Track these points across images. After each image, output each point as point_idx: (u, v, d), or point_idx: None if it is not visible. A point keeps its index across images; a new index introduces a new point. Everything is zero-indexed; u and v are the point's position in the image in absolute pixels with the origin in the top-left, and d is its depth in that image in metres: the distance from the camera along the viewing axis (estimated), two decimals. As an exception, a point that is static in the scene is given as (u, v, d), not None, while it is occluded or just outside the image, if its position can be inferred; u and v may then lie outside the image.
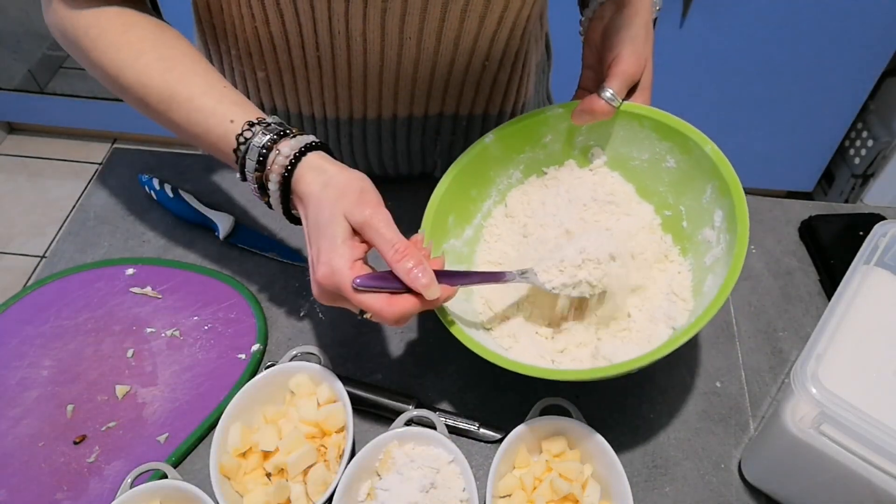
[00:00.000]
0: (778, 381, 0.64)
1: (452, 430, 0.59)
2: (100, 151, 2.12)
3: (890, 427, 0.43)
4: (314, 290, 0.50)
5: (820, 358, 0.47)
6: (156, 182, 0.77)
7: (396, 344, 0.66)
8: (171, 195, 0.76)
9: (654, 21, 0.64)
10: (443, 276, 0.50)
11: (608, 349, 0.56)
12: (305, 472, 0.54)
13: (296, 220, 0.54)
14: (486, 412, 0.61)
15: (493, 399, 0.62)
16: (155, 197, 0.77)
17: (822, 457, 0.47)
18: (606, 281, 0.55)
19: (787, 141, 1.73)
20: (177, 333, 0.66)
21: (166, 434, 0.59)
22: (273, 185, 0.51)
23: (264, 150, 0.51)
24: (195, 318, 0.67)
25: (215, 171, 0.82)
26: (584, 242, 0.55)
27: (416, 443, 0.55)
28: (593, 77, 0.64)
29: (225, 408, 0.55)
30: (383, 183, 0.78)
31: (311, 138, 0.52)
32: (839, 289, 0.52)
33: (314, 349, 0.60)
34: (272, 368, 0.58)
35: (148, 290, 0.70)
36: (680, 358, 0.65)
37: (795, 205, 0.78)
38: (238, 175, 0.54)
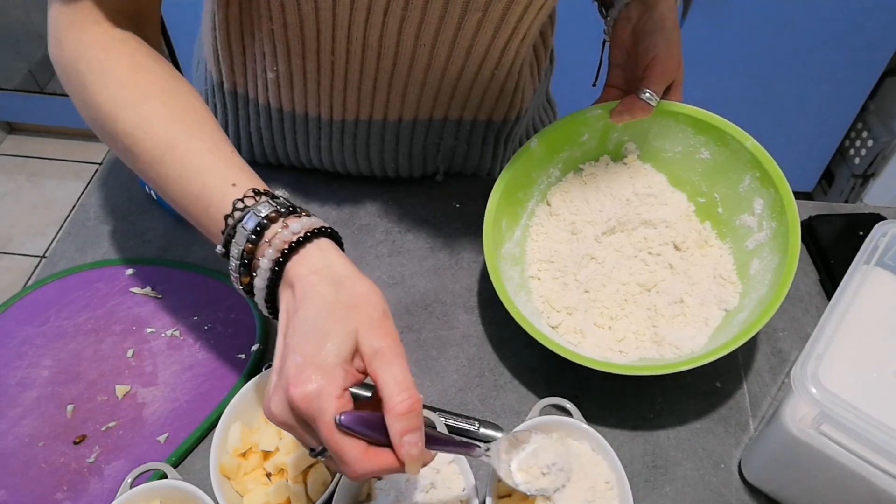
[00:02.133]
0: (778, 381, 0.64)
1: (452, 430, 0.59)
2: (100, 151, 2.12)
3: (890, 427, 0.43)
4: (274, 405, 0.40)
5: (820, 358, 0.47)
6: (156, 182, 0.77)
7: (396, 344, 0.66)
8: (171, 195, 0.76)
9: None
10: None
11: (670, 335, 0.60)
12: (305, 472, 0.54)
13: (273, 312, 0.45)
14: (486, 412, 0.61)
15: (493, 399, 0.62)
16: (155, 197, 0.77)
17: (822, 457, 0.47)
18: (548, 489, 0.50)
19: (787, 141, 1.73)
20: (177, 333, 0.66)
21: (166, 434, 0.59)
22: (266, 263, 0.42)
23: (265, 222, 0.43)
24: (195, 318, 0.67)
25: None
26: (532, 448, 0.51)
27: (416, 443, 0.55)
28: (622, 75, 0.67)
29: (225, 408, 0.55)
30: (383, 183, 0.79)
31: (322, 222, 0.44)
32: (839, 289, 0.52)
33: (314, 349, 0.60)
34: (272, 368, 0.58)
35: (148, 290, 0.70)
36: (680, 358, 0.65)
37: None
38: (218, 247, 0.46)
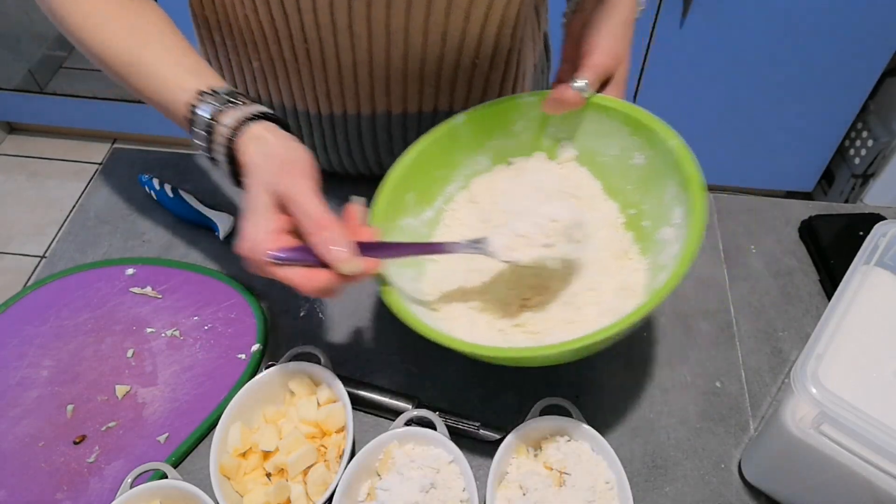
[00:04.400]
0: (778, 381, 0.64)
1: (452, 431, 0.59)
2: (100, 151, 2.12)
3: (890, 427, 0.43)
4: (247, 266, 0.49)
5: (820, 358, 0.47)
6: (156, 182, 0.77)
7: (396, 344, 0.66)
8: (171, 195, 0.76)
9: (635, 20, 0.64)
10: (372, 248, 0.50)
11: (552, 339, 0.55)
12: (305, 472, 0.54)
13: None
14: (486, 412, 0.61)
15: (493, 399, 0.62)
16: (155, 197, 0.77)
17: (822, 457, 0.47)
18: (571, 251, 0.53)
19: (787, 141, 1.73)
20: (177, 333, 0.66)
21: (166, 434, 0.59)
22: (220, 157, 0.52)
23: (212, 121, 0.51)
24: (195, 318, 0.67)
25: (215, 171, 0.82)
26: (548, 209, 0.53)
27: (416, 443, 0.55)
28: (570, 70, 0.63)
29: (225, 408, 0.55)
30: (380, 182, 0.79)
31: (257, 108, 0.52)
32: (839, 289, 0.52)
33: (314, 349, 0.60)
34: (272, 368, 0.58)
35: (148, 290, 0.70)
36: (680, 358, 0.65)
37: (795, 205, 0.78)
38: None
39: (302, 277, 0.47)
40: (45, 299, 0.69)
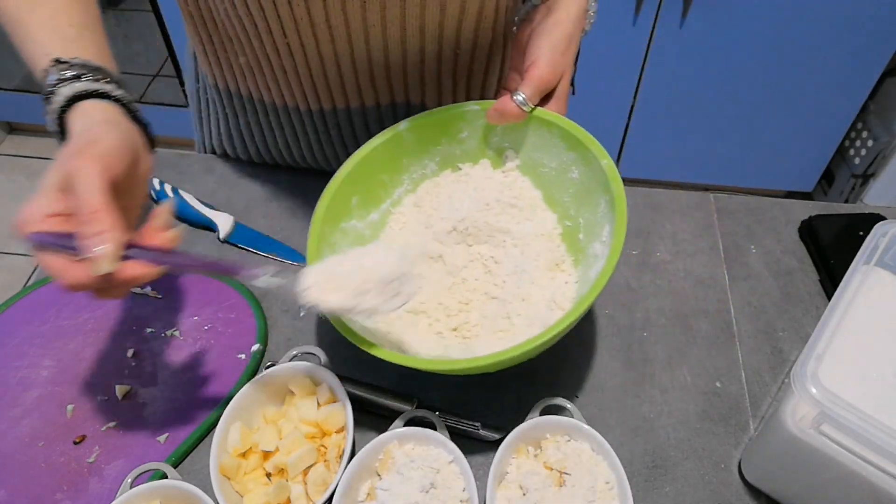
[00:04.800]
0: (778, 381, 0.64)
1: (452, 431, 0.59)
2: (100, 151, 2.12)
3: (890, 427, 0.43)
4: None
5: (820, 358, 0.47)
6: (156, 182, 0.77)
7: (396, 344, 0.66)
8: (171, 195, 0.76)
9: (585, 33, 0.63)
10: (160, 254, 0.46)
11: (482, 349, 0.56)
12: (305, 472, 0.54)
13: None
14: (486, 412, 0.61)
15: (493, 399, 0.62)
16: (155, 197, 0.77)
17: (822, 457, 0.47)
18: (384, 304, 0.49)
19: (787, 141, 1.73)
20: (177, 333, 0.66)
21: (166, 434, 0.59)
22: (52, 128, 0.50)
23: (51, 90, 0.50)
24: (195, 318, 0.67)
25: (215, 171, 0.82)
26: (372, 257, 0.49)
27: (416, 443, 0.55)
28: (517, 80, 0.64)
29: (225, 408, 0.55)
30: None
31: (101, 87, 0.50)
32: (839, 289, 0.52)
33: (314, 349, 0.60)
34: (272, 368, 0.58)
35: (148, 290, 0.70)
36: (680, 358, 0.65)
37: (795, 205, 0.78)
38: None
39: (59, 267, 0.44)
40: (45, 299, 0.69)
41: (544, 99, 0.61)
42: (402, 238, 0.65)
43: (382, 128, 0.72)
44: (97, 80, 0.51)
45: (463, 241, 0.64)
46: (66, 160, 0.45)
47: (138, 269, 0.45)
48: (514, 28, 0.66)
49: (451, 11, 0.61)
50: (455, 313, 0.61)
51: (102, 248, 0.43)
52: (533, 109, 0.60)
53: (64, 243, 0.43)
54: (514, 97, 0.59)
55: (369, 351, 0.51)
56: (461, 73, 0.69)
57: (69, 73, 0.50)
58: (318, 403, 0.57)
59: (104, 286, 0.45)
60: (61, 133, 0.50)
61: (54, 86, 0.50)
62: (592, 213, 0.60)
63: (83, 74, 0.50)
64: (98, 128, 0.48)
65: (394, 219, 0.66)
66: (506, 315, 0.59)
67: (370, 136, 0.73)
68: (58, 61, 0.51)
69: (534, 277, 0.60)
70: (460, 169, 0.67)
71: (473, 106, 0.63)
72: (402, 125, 0.63)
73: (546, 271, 0.61)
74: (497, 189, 0.64)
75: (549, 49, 0.59)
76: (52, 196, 0.44)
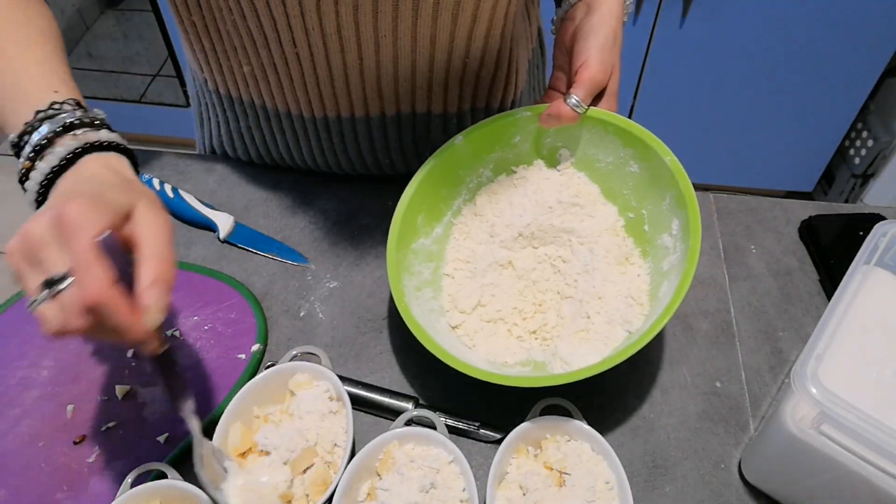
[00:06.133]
0: (778, 381, 0.64)
1: (452, 431, 0.59)
2: (100, 151, 2.11)
3: (890, 427, 0.43)
4: (36, 220, 0.41)
5: (820, 358, 0.47)
6: (156, 182, 0.77)
7: (396, 344, 0.66)
8: (171, 195, 0.76)
9: (623, 24, 0.64)
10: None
11: (565, 350, 0.57)
12: (305, 472, 0.54)
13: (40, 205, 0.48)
14: (486, 412, 0.61)
15: (493, 399, 0.62)
16: (155, 197, 0.77)
17: (822, 457, 0.47)
18: None
19: (787, 141, 1.73)
20: (177, 333, 0.66)
21: (166, 434, 0.59)
22: (33, 186, 0.47)
23: (44, 142, 0.47)
24: (195, 318, 0.67)
25: (215, 171, 0.82)
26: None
27: (416, 443, 0.55)
28: (563, 79, 0.65)
29: (225, 408, 0.55)
30: (382, 182, 0.79)
31: (89, 139, 0.48)
32: (839, 289, 0.52)
33: (314, 349, 0.60)
34: (272, 368, 0.58)
35: (148, 290, 0.69)
36: (680, 358, 0.65)
37: (795, 205, 0.78)
38: (12, 136, 0.49)
39: (107, 280, 0.39)
40: (45, 299, 0.69)
41: (596, 97, 0.61)
42: (468, 248, 0.66)
43: (385, 136, 0.73)
44: (92, 128, 0.50)
45: (529, 245, 0.65)
46: (138, 206, 0.43)
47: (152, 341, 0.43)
48: (553, 28, 0.67)
49: (462, 21, 0.60)
50: (531, 315, 0.62)
51: (161, 297, 0.41)
52: (587, 110, 0.60)
53: (116, 258, 0.42)
54: (568, 100, 0.60)
55: (471, 374, 0.53)
56: (468, 80, 0.69)
57: (52, 129, 0.48)
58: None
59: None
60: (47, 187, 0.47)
61: (49, 140, 0.47)
62: (656, 206, 0.61)
63: (86, 122, 0.50)
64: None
65: (456, 229, 0.67)
66: (584, 314, 0.59)
67: (372, 143, 0.74)
68: (68, 104, 0.50)
69: (606, 274, 0.61)
70: (515, 172, 0.68)
71: (525, 112, 0.65)
72: (458, 139, 0.65)
73: (616, 266, 0.62)
74: (555, 189, 0.65)
75: (598, 48, 0.60)
76: (115, 216, 0.42)
